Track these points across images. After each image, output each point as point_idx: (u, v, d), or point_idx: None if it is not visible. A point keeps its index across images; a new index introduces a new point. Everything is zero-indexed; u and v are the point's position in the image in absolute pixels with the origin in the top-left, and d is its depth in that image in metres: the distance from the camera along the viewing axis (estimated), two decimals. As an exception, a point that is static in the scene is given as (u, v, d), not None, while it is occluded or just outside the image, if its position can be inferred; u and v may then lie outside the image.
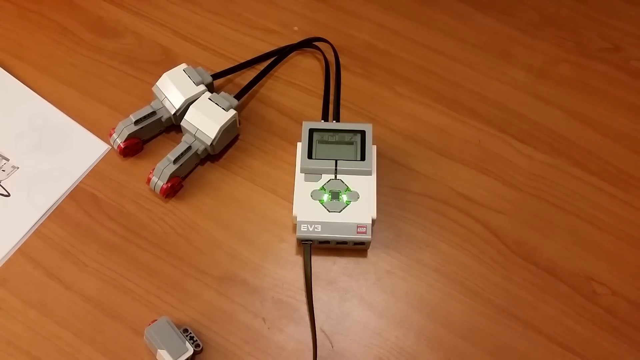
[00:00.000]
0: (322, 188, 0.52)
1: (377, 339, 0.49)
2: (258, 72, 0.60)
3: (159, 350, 0.45)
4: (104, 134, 0.58)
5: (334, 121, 0.57)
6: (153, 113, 0.55)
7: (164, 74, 0.56)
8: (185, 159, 0.53)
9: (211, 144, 0.53)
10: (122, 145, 0.55)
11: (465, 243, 0.53)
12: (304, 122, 0.54)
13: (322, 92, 0.60)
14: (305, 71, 0.62)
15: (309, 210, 0.51)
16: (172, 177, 0.53)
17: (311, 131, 0.54)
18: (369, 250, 0.52)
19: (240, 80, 0.61)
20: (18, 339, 0.48)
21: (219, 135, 0.53)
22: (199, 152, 0.54)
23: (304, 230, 0.50)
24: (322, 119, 0.57)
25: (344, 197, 0.51)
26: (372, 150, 0.53)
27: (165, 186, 0.53)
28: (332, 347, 0.49)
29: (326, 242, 0.51)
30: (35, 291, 0.50)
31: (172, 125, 0.57)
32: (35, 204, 0.54)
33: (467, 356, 0.48)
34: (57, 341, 0.48)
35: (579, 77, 0.62)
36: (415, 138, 0.58)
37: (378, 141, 0.57)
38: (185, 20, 0.65)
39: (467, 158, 0.57)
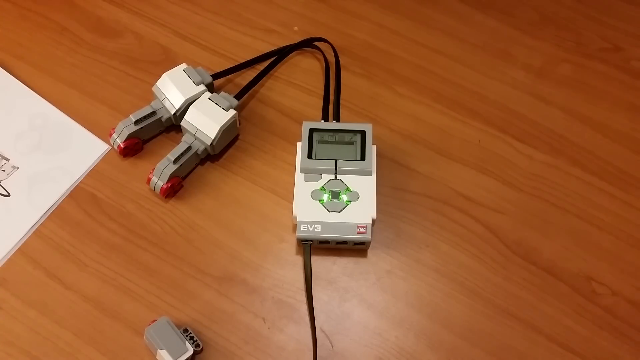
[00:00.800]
0: (322, 188, 0.52)
1: (377, 339, 0.49)
2: (258, 72, 0.60)
3: (159, 350, 0.45)
4: (104, 134, 0.58)
5: (334, 121, 0.57)
6: (153, 113, 0.55)
7: (164, 74, 0.56)
8: (185, 159, 0.53)
9: (211, 144, 0.53)
10: (122, 145, 0.55)
11: (465, 243, 0.53)
12: (304, 122, 0.54)
13: (322, 92, 0.60)
14: (305, 71, 0.62)
15: (309, 210, 0.51)
16: (172, 177, 0.53)
17: (311, 131, 0.54)
18: (369, 250, 0.52)
19: (240, 80, 0.61)
20: (18, 339, 0.48)
21: (219, 135, 0.53)
22: (199, 152, 0.54)
23: (304, 230, 0.50)
24: (322, 119, 0.57)
25: (344, 197, 0.51)
26: (372, 150, 0.53)
27: (165, 186, 0.53)
28: (332, 347, 0.49)
29: (326, 242, 0.51)
30: (35, 291, 0.50)
31: (172, 125, 0.57)
32: (35, 204, 0.54)
33: (467, 356, 0.48)
34: (57, 341, 0.48)
35: (579, 77, 0.62)
36: (415, 138, 0.58)
37: (378, 141, 0.57)
38: (185, 20, 0.65)
39: (467, 158, 0.57)
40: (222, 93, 0.56)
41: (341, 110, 0.59)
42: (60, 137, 0.58)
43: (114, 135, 0.55)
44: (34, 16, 0.65)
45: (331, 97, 0.59)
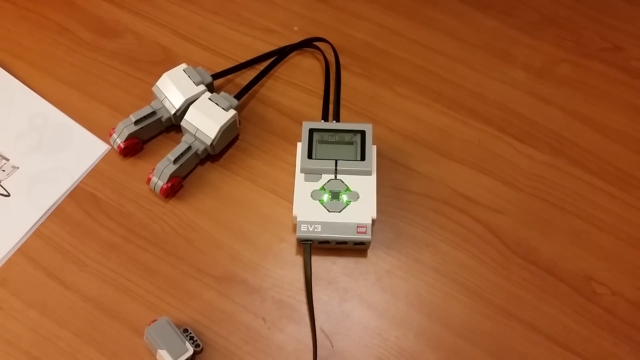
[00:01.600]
0: (322, 188, 0.52)
1: (377, 339, 0.49)
2: (258, 72, 0.60)
3: (159, 350, 0.45)
4: (104, 134, 0.58)
5: (334, 121, 0.57)
6: (153, 113, 0.55)
7: (164, 74, 0.56)
8: (185, 159, 0.53)
9: (211, 144, 0.53)
10: (122, 145, 0.55)
11: (465, 243, 0.53)
12: (304, 122, 0.54)
13: (322, 92, 0.60)
14: (305, 71, 0.62)
15: (309, 210, 0.51)
16: (172, 177, 0.53)
17: (311, 131, 0.54)
18: (369, 250, 0.52)
19: (240, 80, 0.61)
20: (18, 339, 0.48)
21: (219, 135, 0.53)
22: (199, 152, 0.54)
23: (304, 230, 0.50)
24: (322, 119, 0.57)
25: (344, 197, 0.51)
26: (372, 150, 0.53)
27: (165, 186, 0.53)
28: (332, 347, 0.49)
29: (326, 242, 0.51)
30: (35, 291, 0.50)
31: (172, 125, 0.57)
32: (35, 204, 0.54)
33: (467, 356, 0.48)
34: (57, 341, 0.48)
35: (579, 77, 0.62)
36: (415, 138, 0.58)
37: (378, 141, 0.57)
38: (185, 20, 0.65)
39: (467, 158, 0.57)
40: (222, 93, 0.56)
41: (341, 110, 0.59)
42: (60, 137, 0.58)
43: (114, 135, 0.55)
44: (34, 16, 0.65)
45: (331, 97, 0.59)
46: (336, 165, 0.52)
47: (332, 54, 0.62)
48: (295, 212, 0.51)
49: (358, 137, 0.53)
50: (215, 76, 0.58)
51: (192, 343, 0.47)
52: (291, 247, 0.53)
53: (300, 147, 0.53)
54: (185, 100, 0.55)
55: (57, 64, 0.62)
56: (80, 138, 0.58)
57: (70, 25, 0.65)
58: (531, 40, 0.65)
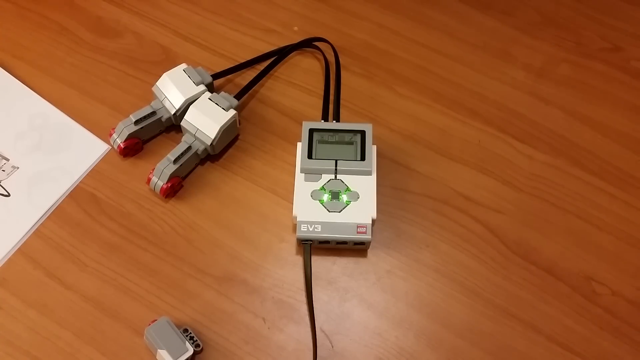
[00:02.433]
0: (322, 188, 0.52)
1: (377, 339, 0.49)
2: (258, 72, 0.60)
3: (159, 350, 0.45)
4: (104, 134, 0.58)
5: (334, 121, 0.57)
6: (153, 113, 0.55)
7: (164, 74, 0.56)
8: (185, 159, 0.53)
9: (211, 144, 0.53)
10: (122, 145, 0.55)
11: (465, 243, 0.53)
12: (304, 122, 0.54)
13: (322, 92, 0.60)
14: (305, 71, 0.62)
15: (309, 210, 0.51)
16: (172, 177, 0.53)
17: (311, 131, 0.54)
18: (369, 250, 0.52)
19: (240, 80, 0.61)
20: (18, 339, 0.48)
21: (219, 135, 0.53)
22: (199, 152, 0.54)
23: (304, 230, 0.50)
24: (322, 119, 0.57)
25: (344, 197, 0.51)
26: (372, 150, 0.53)
27: (165, 186, 0.53)
28: (332, 347, 0.49)
29: (326, 242, 0.51)
30: (35, 291, 0.50)
31: (172, 125, 0.57)
32: (35, 204, 0.54)
33: (467, 356, 0.48)
34: (57, 341, 0.48)
35: (579, 77, 0.62)
36: (415, 138, 0.58)
37: (378, 141, 0.57)
38: (185, 20, 0.65)
39: (467, 158, 0.57)
40: (222, 93, 0.56)
41: (341, 110, 0.59)
42: (60, 137, 0.58)
43: (114, 135, 0.55)
44: (34, 16, 0.65)
45: (331, 97, 0.59)
46: (336, 165, 0.52)
47: (332, 54, 0.62)
48: (295, 212, 0.51)
49: (358, 137, 0.53)
50: (215, 76, 0.58)
51: (192, 343, 0.47)
52: (291, 247, 0.53)
53: (300, 147, 0.53)
54: (185, 100, 0.55)
55: (57, 64, 0.62)
56: (80, 138, 0.58)
57: (70, 25, 0.65)
58: (531, 40, 0.65)
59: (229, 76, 0.60)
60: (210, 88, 0.57)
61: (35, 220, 0.53)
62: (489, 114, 0.60)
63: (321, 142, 0.54)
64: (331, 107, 0.59)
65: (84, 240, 0.53)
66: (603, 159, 0.57)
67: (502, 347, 0.49)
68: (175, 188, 0.54)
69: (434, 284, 0.51)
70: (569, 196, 0.55)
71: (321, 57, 0.62)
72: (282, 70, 0.62)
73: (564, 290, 0.51)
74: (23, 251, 0.52)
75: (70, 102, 0.60)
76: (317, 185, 0.52)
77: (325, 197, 0.51)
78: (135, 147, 0.56)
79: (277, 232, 0.53)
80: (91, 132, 0.58)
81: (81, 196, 0.55)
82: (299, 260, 0.52)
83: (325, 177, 0.52)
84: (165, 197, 0.54)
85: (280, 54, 0.62)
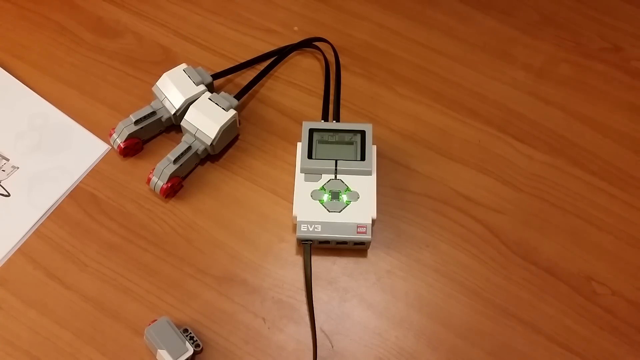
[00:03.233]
0: (322, 188, 0.52)
1: (377, 339, 0.49)
2: (258, 72, 0.60)
3: (159, 350, 0.45)
4: (104, 134, 0.58)
5: (334, 121, 0.57)
6: (153, 113, 0.55)
7: (164, 74, 0.56)
8: (185, 159, 0.53)
9: (211, 144, 0.53)
10: (122, 145, 0.55)
11: (465, 243, 0.53)
12: (304, 122, 0.54)
13: (322, 92, 0.60)
14: (305, 71, 0.62)
15: (309, 210, 0.51)
16: (172, 177, 0.53)
17: (311, 131, 0.54)
18: (369, 250, 0.52)
19: (240, 80, 0.61)
20: (18, 339, 0.48)
21: (219, 135, 0.53)
22: (199, 152, 0.54)
23: (304, 230, 0.50)
24: (322, 119, 0.57)
25: (344, 197, 0.51)
26: (372, 150, 0.53)
27: (165, 186, 0.53)
28: (332, 347, 0.49)
29: (326, 242, 0.51)
30: (35, 291, 0.50)
31: (172, 125, 0.57)
32: (35, 204, 0.54)
33: (467, 356, 0.48)
34: (57, 341, 0.48)
35: (579, 77, 0.62)
36: (415, 138, 0.58)
37: (378, 141, 0.57)
38: (185, 20, 0.65)
39: (467, 158, 0.57)
40: (222, 93, 0.56)
41: (341, 110, 0.59)
42: (60, 137, 0.58)
43: (114, 135, 0.55)
44: (34, 16, 0.65)
45: (331, 97, 0.59)
46: (336, 165, 0.52)
47: (332, 54, 0.62)
48: (295, 212, 0.51)
49: (358, 137, 0.53)
50: (215, 76, 0.58)
51: (192, 343, 0.47)
52: (291, 247, 0.53)
53: (300, 147, 0.53)
54: (185, 100, 0.55)
55: (57, 64, 0.62)
56: (80, 138, 0.58)
57: (70, 25, 0.65)
58: (531, 40, 0.65)
59: (229, 76, 0.60)
60: (210, 88, 0.57)
61: (35, 220, 0.53)
62: (489, 114, 0.60)
63: (321, 142, 0.54)
64: (331, 107, 0.59)
65: (84, 240, 0.53)
66: (603, 159, 0.57)
67: (502, 347, 0.49)
68: (175, 188, 0.54)
69: (434, 284, 0.51)
70: (569, 196, 0.55)
71: (321, 57, 0.62)
72: (282, 70, 0.62)
73: (564, 290, 0.51)
74: (23, 251, 0.52)
75: (70, 102, 0.60)
76: (317, 185, 0.52)
77: (325, 197, 0.51)
78: (135, 147, 0.56)
79: (277, 232, 0.53)
80: (91, 132, 0.58)
81: (81, 196, 0.55)
82: (299, 260, 0.52)
83: (325, 177, 0.52)
84: (165, 197, 0.54)
85: (280, 54, 0.62)
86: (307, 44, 0.63)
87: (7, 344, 0.48)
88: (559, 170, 0.57)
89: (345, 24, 0.65)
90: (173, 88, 0.55)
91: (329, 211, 0.50)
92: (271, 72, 0.62)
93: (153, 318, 0.48)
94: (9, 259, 0.52)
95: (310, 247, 0.50)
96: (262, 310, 0.50)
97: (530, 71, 0.62)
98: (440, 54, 0.63)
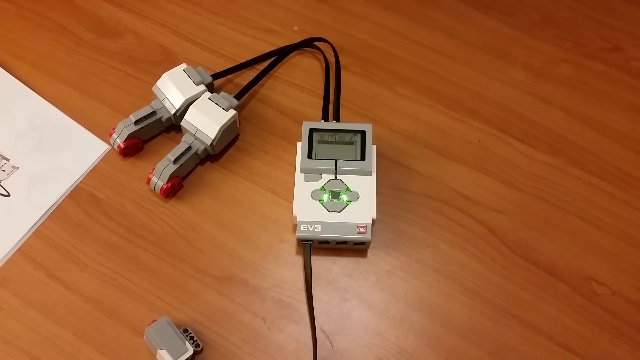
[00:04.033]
0: (322, 188, 0.52)
1: (377, 339, 0.49)
2: (258, 72, 0.60)
3: (159, 350, 0.45)
4: (104, 134, 0.58)
5: (334, 121, 0.57)
6: (153, 113, 0.55)
7: (164, 74, 0.56)
8: (185, 159, 0.53)
9: (211, 144, 0.53)
10: (122, 145, 0.55)
11: (465, 243, 0.53)
12: (304, 122, 0.54)
13: (322, 92, 0.60)
14: (305, 71, 0.62)
15: (309, 210, 0.51)
16: (172, 177, 0.53)
17: (311, 131, 0.54)
18: (369, 250, 0.52)
19: (240, 80, 0.61)
20: (18, 339, 0.48)
21: (219, 135, 0.53)
22: (199, 152, 0.54)
23: (304, 230, 0.50)
24: (322, 119, 0.57)
25: (344, 197, 0.51)
26: (372, 150, 0.53)
27: (165, 186, 0.53)
28: (332, 347, 0.49)
29: (326, 242, 0.51)
30: (35, 291, 0.50)
31: (172, 125, 0.57)
32: (35, 204, 0.54)
33: (467, 356, 0.48)
34: (57, 341, 0.48)
35: (579, 77, 0.62)
36: (415, 138, 0.58)
37: (378, 141, 0.57)
38: (185, 20, 0.65)
39: (467, 158, 0.57)
40: (222, 93, 0.56)
41: (341, 110, 0.59)
42: (60, 137, 0.58)
43: (114, 135, 0.55)
44: (34, 16, 0.65)
45: (331, 97, 0.59)
46: (336, 165, 0.52)
47: (332, 54, 0.62)
48: (295, 212, 0.51)
49: (358, 137, 0.53)
50: (215, 76, 0.58)
51: (192, 343, 0.47)
52: (291, 247, 0.53)
53: (300, 147, 0.53)
54: (185, 100, 0.55)
55: (57, 64, 0.62)
56: (80, 138, 0.58)
57: (70, 25, 0.65)
58: (531, 40, 0.65)
59: (229, 76, 0.60)
60: (210, 88, 0.57)
61: (35, 220, 0.53)
62: (489, 114, 0.60)
63: (321, 142, 0.54)
64: (331, 107, 0.59)
65: (84, 240, 0.53)
66: (603, 159, 0.57)
67: (502, 347, 0.49)
68: (175, 188, 0.54)
69: (434, 284, 0.51)
70: (569, 196, 0.55)
71: (321, 57, 0.62)
72: (282, 70, 0.62)
73: (564, 290, 0.51)
74: (23, 251, 0.52)
75: (70, 102, 0.60)
76: (317, 185, 0.52)
77: (325, 197, 0.51)
78: (135, 147, 0.56)
79: (277, 232, 0.53)
80: (91, 132, 0.58)
81: (81, 196, 0.55)
82: (299, 260, 0.52)
83: (325, 177, 0.52)
84: (165, 197, 0.54)
85: (280, 54, 0.62)
86: (307, 44, 0.63)
87: (7, 344, 0.48)
88: (559, 170, 0.57)
89: (345, 24, 0.65)
90: (173, 88, 0.55)
91: (329, 211, 0.50)
92: (271, 72, 0.62)
93: (153, 318, 0.48)
94: (9, 259, 0.52)
95: (310, 247, 0.50)
96: (262, 310, 0.50)
97: (530, 71, 0.62)
98: (440, 54, 0.63)
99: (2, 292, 0.50)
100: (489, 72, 0.62)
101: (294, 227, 0.52)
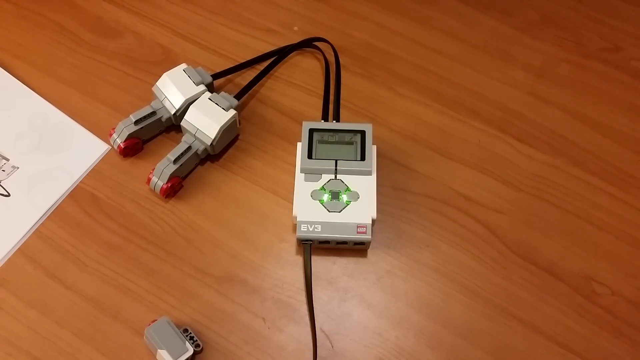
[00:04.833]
0: (322, 188, 0.52)
1: (377, 339, 0.49)
2: (258, 72, 0.60)
3: (159, 350, 0.45)
4: (104, 134, 0.58)
5: (334, 121, 0.57)
6: (153, 113, 0.55)
7: (164, 74, 0.56)
8: (185, 159, 0.53)
9: (211, 144, 0.53)
10: (122, 145, 0.55)
11: (465, 243, 0.53)
12: (304, 122, 0.54)
13: (322, 92, 0.60)
14: (305, 71, 0.62)
15: (309, 210, 0.51)
16: (172, 177, 0.53)
17: (311, 131, 0.54)
18: (369, 250, 0.52)
19: (240, 80, 0.61)
20: (18, 339, 0.48)
21: (219, 135, 0.53)
22: (199, 152, 0.54)
23: (304, 230, 0.50)
24: (322, 119, 0.57)
25: (344, 197, 0.51)
26: (372, 150, 0.53)
27: (165, 186, 0.53)
28: (332, 347, 0.49)
29: (326, 242, 0.51)
30: (35, 291, 0.50)
31: (172, 125, 0.57)
32: (35, 204, 0.54)
33: (467, 356, 0.48)
34: (57, 341, 0.48)
35: (579, 77, 0.62)
36: (415, 138, 0.58)
37: (378, 141, 0.57)
38: (185, 20, 0.65)
39: (467, 158, 0.57)
40: (222, 93, 0.56)
41: (341, 110, 0.59)
42: (60, 137, 0.58)
43: (114, 135, 0.55)
44: (34, 16, 0.65)
45: (331, 97, 0.59)
46: (336, 165, 0.52)
47: (332, 54, 0.62)
48: (295, 212, 0.51)
49: (358, 137, 0.53)
50: (215, 76, 0.58)
51: (192, 343, 0.47)
52: (291, 247, 0.53)
53: (300, 147, 0.53)
54: (185, 100, 0.55)
55: (57, 64, 0.62)
56: (80, 138, 0.58)
57: (70, 25, 0.65)
58: (531, 40, 0.65)
59: (229, 76, 0.60)
60: (210, 88, 0.57)
61: (35, 220, 0.53)
62: (489, 114, 0.60)
63: (321, 142, 0.54)
64: (331, 107, 0.59)
65: (84, 240, 0.53)
66: (603, 159, 0.57)
67: (502, 347, 0.49)
68: (175, 188, 0.54)
69: (434, 284, 0.51)
70: (569, 196, 0.55)
71: (321, 57, 0.62)
72: (282, 70, 0.62)
73: (564, 290, 0.51)
74: (23, 251, 0.52)
75: (70, 102, 0.60)
76: (317, 185, 0.52)
77: (325, 197, 0.51)
78: (135, 147, 0.56)
79: (277, 232, 0.53)
80: (91, 132, 0.58)
81: (81, 196, 0.55)
82: (299, 260, 0.52)
83: (325, 177, 0.52)
84: (165, 197, 0.54)
85: (280, 54, 0.62)
86: (307, 44, 0.63)
87: (7, 344, 0.48)
88: (559, 170, 0.57)
89: (345, 24, 0.65)
90: (173, 88, 0.55)
91: (329, 211, 0.50)
92: (271, 72, 0.62)
93: (153, 318, 0.48)
94: (9, 259, 0.52)
95: (310, 247, 0.50)
96: (262, 310, 0.50)
97: (530, 71, 0.62)
98: (440, 54, 0.63)
99: (2, 292, 0.50)
100: (489, 72, 0.62)
101: (294, 227, 0.52)
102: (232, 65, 0.60)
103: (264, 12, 0.66)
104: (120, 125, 0.55)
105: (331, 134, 0.54)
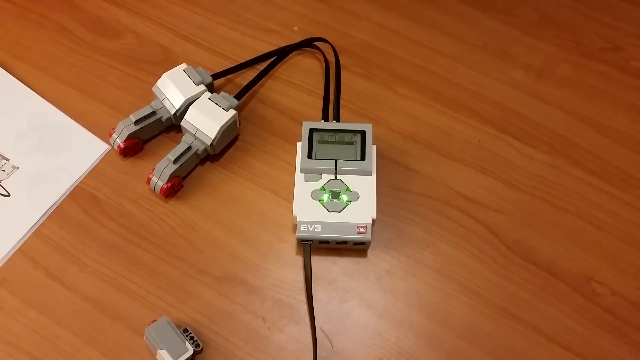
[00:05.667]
0: (322, 188, 0.52)
1: (377, 339, 0.49)
2: (258, 72, 0.60)
3: (159, 350, 0.45)
4: (104, 134, 0.58)
5: (334, 121, 0.57)
6: (153, 113, 0.55)
7: (164, 74, 0.56)
8: (185, 159, 0.53)
9: (211, 144, 0.53)
10: (122, 145, 0.55)
11: (465, 243, 0.53)
12: (304, 122, 0.54)
13: (322, 92, 0.60)
14: (305, 71, 0.62)
15: (309, 210, 0.51)
16: (172, 177, 0.53)
17: (311, 131, 0.54)
18: (369, 250, 0.52)
19: (240, 80, 0.61)
20: (18, 339, 0.48)
21: (219, 135, 0.53)
22: (199, 152, 0.54)
23: (304, 230, 0.50)
24: (322, 119, 0.57)
25: (344, 197, 0.51)
26: (372, 150, 0.53)
27: (165, 186, 0.53)
28: (332, 347, 0.49)
29: (326, 242, 0.51)
30: (35, 291, 0.50)
31: (172, 125, 0.57)
32: (35, 204, 0.54)
33: (467, 356, 0.48)
34: (57, 341, 0.48)
35: (579, 77, 0.62)
36: (415, 138, 0.58)
37: (378, 141, 0.57)
38: (185, 20, 0.65)
39: (467, 158, 0.57)
40: (222, 93, 0.56)
41: (341, 110, 0.59)
42: (60, 137, 0.58)
43: (114, 135, 0.55)
44: (34, 16, 0.65)
45: (331, 97, 0.59)
46: (336, 165, 0.52)
47: (332, 54, 0.62)
48: (295, 212, 0.51)
49: (358, 137, 0.53)
50: (215, 76, 0.58)
51: (192, 343, 0.47)
52: (291, 247, 0.53)
53: (300, 147, 0.53)
54: (185, 100, 0.55)
55: (57, 64, 0.62)
56: (80, 138, 0.58)
57: (70, 25, 0.65)
58: (531, 40, 0.65)
59: (229, 76, 0.60)
60: (210, 88, 0.57)
61: (35, 220, 0.53)
62: (489, 114, 0.60)
63: (321, 142, 0.54)
64: (331, 107, 0.59)
65: (84, 240, 0.53)
66: (603, 159, 0.57)
67: (502, 347, 0.49)
68: (175, 188, 0.54)
69: (434, 284, 0.51)
70: (569, 196, 0.55)
71: (321, 57, 0.62)
72: (282, 70, 0.62)
73: (564, 290, 0.51)
74: (23, 251, 0.52)
75: (70, 102, 0.60)
76: (317, 185, 0.52)
77: (325, 197, 0.51)
78: (135, 147, 0.56)
79: (277, 232, 0.53)
80: (91, 132, 0.58)
81: (81, 196, 0.55)
82: (299, 260, 0.52)
83: (325, 177, 0.52)
84: (165, 197, 0.54)
85: (280, 54, 0.62)
86: (307, 44, 0.63)
87: (7, 344, 0.48)
88: (559, 170, 0.57)
89: (345, 24, 0.65)
90: (173, 88, 0.55)
91: (329, 211, 0.50)
92: (271, 72, 0.62)
93: (153, 318, 0.48)
94: (9, 259, 0.52)
95: (310, 247, 0.50)
96: (262, 310, 0.50)
97: (530, 71, 0.62)
98: (440, 54, 0.63)
99: (2, 292, 0.50)
100: (489, 72, 0.62)
101: (294, 227, 0.52)
102: (232, 65, 0.60)
103: (264, 12, 0.66)
104: (120, 125, 0.55)
105: (331, 134, 0.54)
